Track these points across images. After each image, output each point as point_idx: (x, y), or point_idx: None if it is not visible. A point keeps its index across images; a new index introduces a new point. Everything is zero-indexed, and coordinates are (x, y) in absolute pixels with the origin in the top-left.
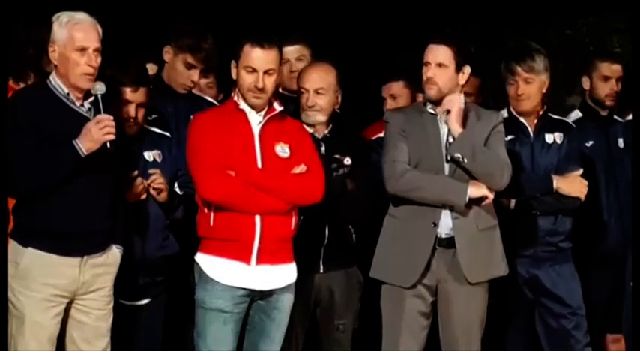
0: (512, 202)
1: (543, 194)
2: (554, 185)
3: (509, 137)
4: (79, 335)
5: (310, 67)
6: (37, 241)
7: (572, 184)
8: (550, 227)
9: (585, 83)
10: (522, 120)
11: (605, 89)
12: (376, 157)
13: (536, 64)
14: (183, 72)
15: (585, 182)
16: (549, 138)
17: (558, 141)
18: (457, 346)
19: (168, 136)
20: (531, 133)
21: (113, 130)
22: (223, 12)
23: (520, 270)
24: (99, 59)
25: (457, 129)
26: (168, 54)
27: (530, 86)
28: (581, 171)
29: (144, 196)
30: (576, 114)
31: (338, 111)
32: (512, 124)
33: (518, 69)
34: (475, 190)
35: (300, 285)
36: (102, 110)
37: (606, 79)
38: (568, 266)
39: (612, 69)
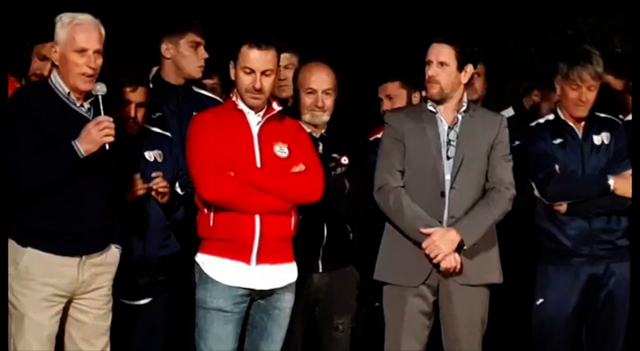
0: (564, 206)
1: (600, 195)
2: (612, 186)
3: (558, 141)
4: (78, 335)
5: (315, 68)
6: (36, 241)
7: (628, 184)
8: (604, 226)
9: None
10: (570, 123)
11: None
12: (374, 158)
13: (599, 69)
14: (192, 55)
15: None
16: (597, 139)
17: (606, 141)
18: (459, 345)
19: (168, 136)
20: (580, 136)
21: (112, 132)
22: (222, 12)
23: (578, 270)
24: (99, 61)
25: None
26: (168, 50)
27: (592, 93)
28: (631, 170)
29: (141, 192)
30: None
31: None
32: (559, 127)
33: (585, 75)
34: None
35: (299, 284)
36: (102, 112)
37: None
38: (625, 265)
39: None
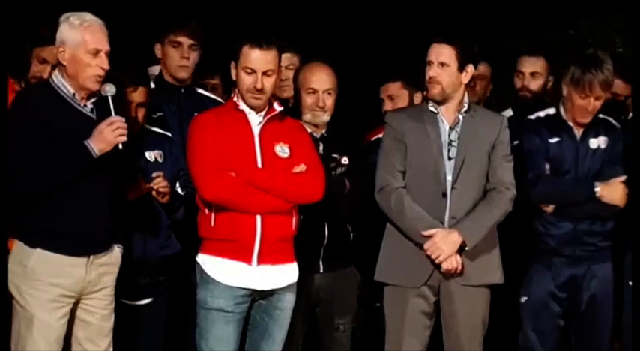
0: (551, 207)
1: (585, 201)
2: (597, 193)
3: (555, 139)
4: (83, 335)
5: (316, 68)
6: (45, 241)
7: (615, 192)
8: (588, 228)
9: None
10: (570, 123)
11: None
12: (375, 158)
13: (610, 77)
14: (173, 54)
15: (626, 189)
16: (594, 143)
17: (602, 146)
18: (460, 345)
19: (169, 136)
20: (577, 137)
21: (125, 131)
22: (222, 12)
23: (558, 270)
24: (107, 61)
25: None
26: (159, 50)
27: (599, 102)
28: (624, 177)
29: (143, 192)
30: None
31: None
32: (558, 126)
33: (595, 86)
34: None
35: (300, 284)
36: (113, 112)
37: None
38: (605, 266)
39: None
